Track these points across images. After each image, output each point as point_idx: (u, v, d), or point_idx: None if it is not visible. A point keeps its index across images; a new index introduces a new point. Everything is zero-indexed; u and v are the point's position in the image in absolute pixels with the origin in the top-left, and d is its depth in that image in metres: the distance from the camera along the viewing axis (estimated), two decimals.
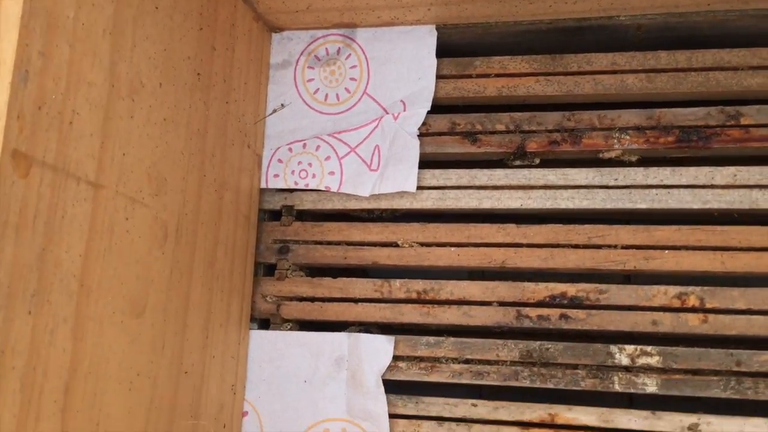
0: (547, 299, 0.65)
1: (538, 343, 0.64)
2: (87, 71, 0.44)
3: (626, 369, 0.62)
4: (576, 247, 0.65)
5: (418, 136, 0.69)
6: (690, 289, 0.62)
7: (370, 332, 0.68)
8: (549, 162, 0.68)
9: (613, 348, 0.63)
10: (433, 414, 0.66)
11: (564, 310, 0.64)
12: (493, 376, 0.65)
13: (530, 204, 0.67)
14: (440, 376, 0.66)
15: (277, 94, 0.72)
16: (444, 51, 0.70)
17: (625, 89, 0.66)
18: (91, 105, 0.44)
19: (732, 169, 0.63)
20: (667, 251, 0.63)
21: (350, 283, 0.69)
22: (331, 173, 0.70)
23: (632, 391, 0.62)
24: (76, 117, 0.43)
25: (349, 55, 0.71)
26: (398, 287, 0.68)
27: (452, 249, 0.67)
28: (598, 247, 0.65)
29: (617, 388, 0.62)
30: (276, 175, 0.71)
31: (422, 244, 0.68)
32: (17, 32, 0.38)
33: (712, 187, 0.63)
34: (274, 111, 0.69)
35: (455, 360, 0.66)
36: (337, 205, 0.71)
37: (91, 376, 0.45)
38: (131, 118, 0.48)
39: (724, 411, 0.61)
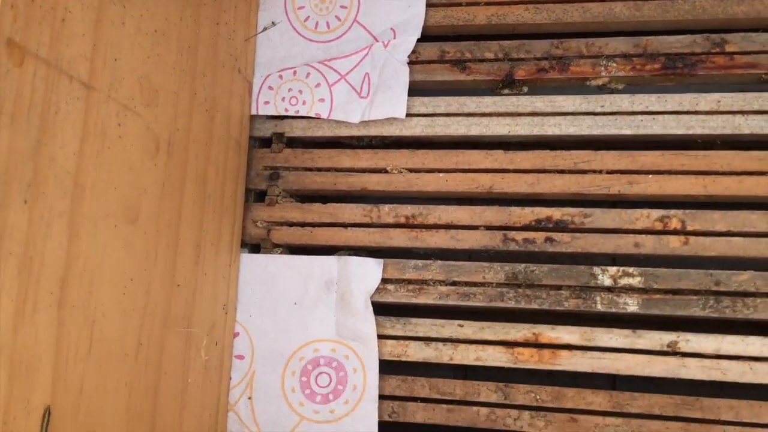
0: (533, 223, 0.66)
1: (524, 265, 0.66)
2: None
3: (608, 289, 0.64)
4: (562, 172, 0.66)
5: (407, 63, 0.69)
6: (672, 212, 0.64)
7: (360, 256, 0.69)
8: (537, 90, 0.69)
9: (596, 269, 0.64)
10: (420, 334, 0.67)
11: (549, 234, 0.66)
12: (479, 298, 0.66)
13: (518, 131, 0.67)
14: (427, 297, 0.67)
15: (267, 20, 0.72)
16: None
17: (613, 17, 0.67)
18: (83, 5, 0.45)
19: (716, 95, 0.64)
20: (650, 176, 0.64)
21: (340, 209, 0.70)
22: (321, 100, 0.71)
23: (614, 310, 0.64)
24: (69, 15, 0.43)
25: None
26: (387, 212, 0.69)
27: (440, 175, 0.68)
28: (584, 172, 0.66)
29: (599, 308, 0.64)
30: (266, 102, 0.72)
31: (411, 170, 0.69)
32: None
33: (696, 113, 0.64)
34: (265, 29, 0.70)
35: (442, 282, 0.67)
36: (327, 132, 0.71)
37: (86, 274, 0.46)
38: (122, 24, 0.49)
39: (702, 329, 0.63)
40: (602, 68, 0.67)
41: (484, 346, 0.66)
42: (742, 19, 0.65)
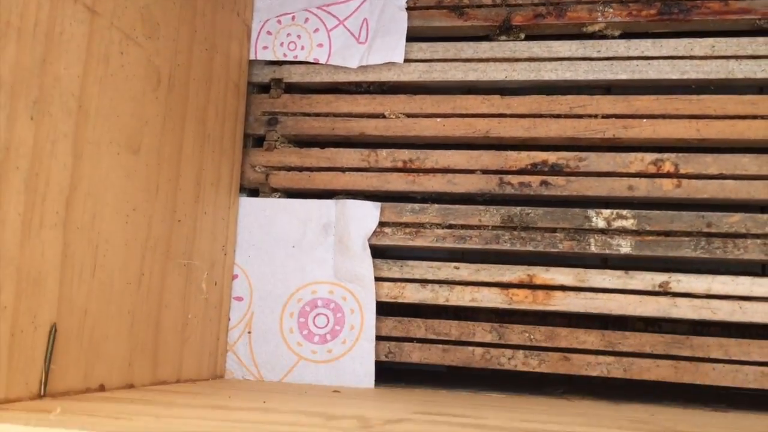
0: (529, 167, 0.67)
1: (519, 208, 0.67)
2: None
3: (602, 231, 0.65)
4: (558, 117, 0.67)
5: (405, 9, 0.70)
6: (665, 155, 0.65)
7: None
8: (534, 37, 0.69)
9: (591, 212, 0.65)
10: (417, 277, 0.68)
11: (545, 177, 0.67)
12: (475, 240, 0.67)
13: (515, 76, 0.68)
14: (424, 240, 0.68)
15: None
16: None
17: None
18: None
19: (710, 40, 0.65)
20: (645, 120, 0.65)
21: (338, 153, 0.70)
22: (320, 45, 0.71)
23: (607, 252, 0.65)
24: None
25: None
26: (385, 157, 0.70)
27: (438, 120, 0.69)
28: (579, 116, 0.67)
29: (593, 249, 0.65)
30: (265, 47, 0.72)
31: (408, 116, 0.70)
32: None
33: (691, 58, 0.65)
34: None
35: (439, 225, 0.68)
36: (326, 78, 0.72)
37: (90, 197, 0.47)
38: None
39: (694, 270, 0.64)
40: (599, 14, 0.67)
41: (479, 287, 0.67)
42: None
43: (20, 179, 0.40)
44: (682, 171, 0.64)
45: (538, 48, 0.68)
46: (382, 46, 0.69)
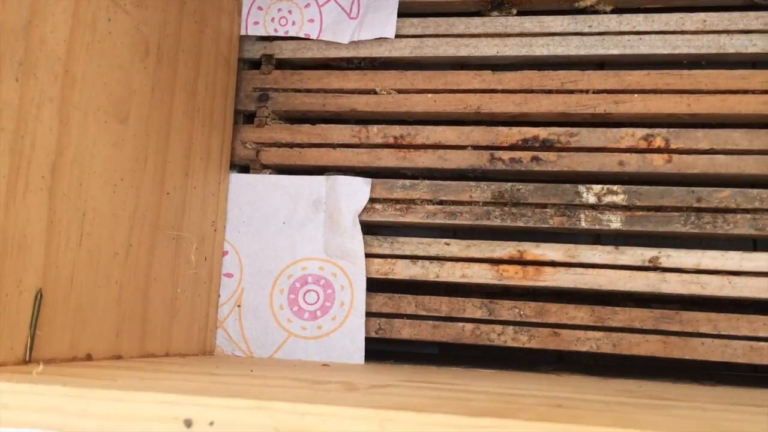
0: (520, 142, 0.67)
1: (510, 184, 0.67)
2: None
3: (593, 207, 0.65)
4: (549, 92, 0.67)
5: None
6: (656, 131, 0.65)
7: None
8: (526, 12, 0.69)
9: (581, 188, 0.65)
10: (407, 253, 0.68)
11: (536, 153, 0.67)
12: (466, 216, 0.67)
13: (506, 51, 0.68)
14: (415, 216, 0.68)
15: None
16: None
17: None
18: None
19: (702, 15, 0.65)
20: (636, 95, 0.65)
21: (329, 129, 0.70)
22: (311, 21, 0.71)
23: (597, 227, 0.65)
24: None
25: None
26: (375, 132, 0.69)
27: (429, 95, 0.69)
28: (571, 92, 0.67)
29: (583, 225, 0.65)
30: (256, 23, 0.72)
31: (400, 91, 0.70)
32: None
33: (683, 32, 0.65)
34: None
35: (429, 201, 0.68)
36: (317, 54, 0.71)
37: (76, 164, 0.46)
38: None
39: (684, 245, 0.64)
40: None
41: (470, 263, 0.67)
42: None
43: (5, 141, 0.40)
44: (672, 146, 0.64)
45: (529, 23, 0.68)
46: (373, 21, 0.69)
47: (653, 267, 0.64)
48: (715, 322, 0.63)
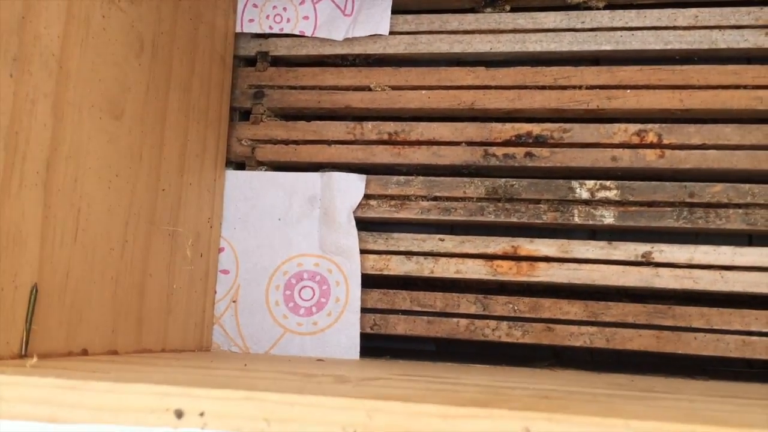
0: (513, 138, 0.67)
1: (504, 180, 0.67)
2: None
3: (586, 202, 0.66)
4: (542, 88, 0.67)
5: None
6: (649, 126, 0.65)
7: None
8: (519, 9, 0.69)
9: (574, 183, 0.66)
10: (402, 249, 0.69)
11: (529, 149, 0.67)
12: (460, 212, 0.68)
13: (500, 48, 0.68)
14: (409, 212, 0.69)
15: None
16: None
17: None
18: None
19: (693, 10, 0.65)
20: (629, 91, 0.66)
21: (324, 126, 0.71)
22: (306, 18, 0.71)
23: (591, 222, 0.65)
24: None
25: None
26: (370, 129, 0.70)
27: (423, 92, 0.69)
28: (564, 88, 0.67)
29: (577, 220, 0.66)
30: (251, 20, 0.72)
31: (394, 88, 0.70)
32: None
33: (675, 28, 0.65)
34: None
35: (424, 197, 0.68)
36: (312, 51, 0.72)
37: (71, 160, 0.47)
38: None
39: (676, 240, 0.65)
40: None
41: (464, 259, 0.67)
42: None
43: (0, 136, 0.40)
44: (665, 141, 0.65)
45: (522, 19, 0.68)
46: (367, 18, 0.70)
47: (646, 262, 0.64)
48: (708, 316, 0.63)
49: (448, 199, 0.68)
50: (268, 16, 0.72)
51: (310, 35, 0.71)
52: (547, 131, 0.67)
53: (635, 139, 0.65)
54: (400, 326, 0.68)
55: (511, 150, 0.67)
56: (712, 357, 0.63)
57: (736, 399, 0.41)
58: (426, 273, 0.68)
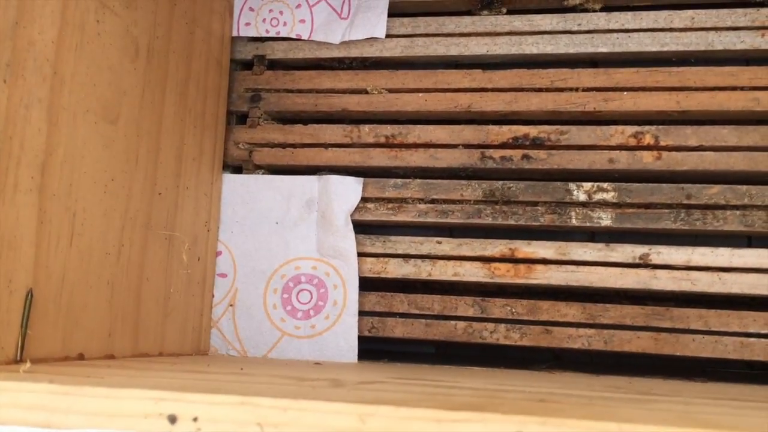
0: (510, 141, 0.67)
1: (501, 182, 0.67)
2: None
3: (583, 205, 0.66)
4: (539, 90, 0.67)
5: None
6: (646, 128, 0.65)
7: None
8: (515, 11, 0.69)
9: (572, 185, 0.66)
10: (400, 252, 0.68)
11: (526, 151, 0.67)
12: (458, 215, 0.68)
13: (496, 50, 0.68)
14: (407, 215, 0.68)
15: None
16: None
17: None
18: None
19: (690, 12, 0.65)
20: (625, 93, 0.66)
21: (321, 129, 0.71)
22: (302, 21, 0.71)
23: (588, 225, 0.65)
24: None
25: None
26: (367, 132, 0.70)
27: (420, 95, 0.69)
28: (560, 90, 0.67)
29: (574, 222, 0.65)
30: (247, 24, 0.72)
31: (391, 91, 0.70)
32: None
33: (671, 30, 0.65)
34: None
35: (421, 200, 0.68)
36: (308, 54, 0.72)
37: (66, 164, 0.47)
38: None
39: (674, 242, 0.65)
40: None
41: (461, 261, 0.67)
42: None
43: None
44: (662, 143, 0.65)
45: (519, 22, 0.68)
46: (363, 21, 0.70)
47: (644, 264, 0.64)
48: (706, 318, 0.63)
49: (445, 201, 0.68)
50: (264, 20, 0.72)
51: (306, 38, 0.71)
52: (544, 133, 0.67)
53: (632, 141, 0.65)
54: (398, 329, 0.68)
55: (508, 152, 0.67)
56: (711, 359, 0.63)
57: (734, 401, 0.41)
58: (424, 276, 0.68)
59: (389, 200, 0.69)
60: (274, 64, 0.73)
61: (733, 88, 0.63)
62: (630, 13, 0.66)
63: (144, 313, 0.57)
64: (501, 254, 0.67)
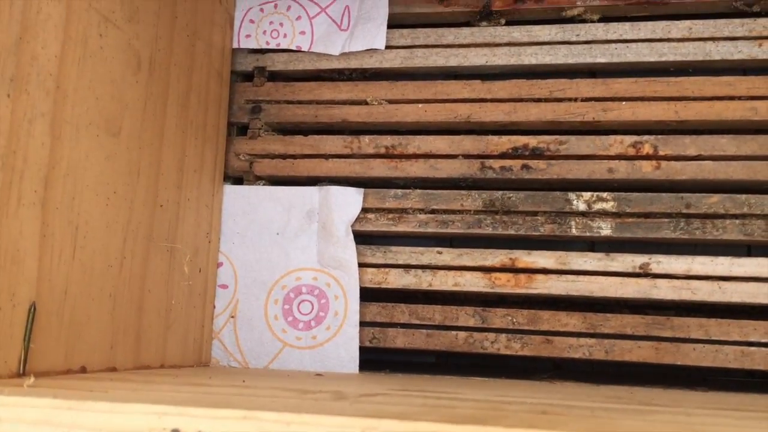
0: (510, 151, 0.67)
1: (501, 192, 0.67)
2: None
3: (583, 214, 0.66)
4: (538, 101, 0.68)
5: None
6: (645, 138, 0.65)
7: None
8: (514, 22, 0.70)
9: (571, 195, 0.66)
10: (400, 262, 0.69)
11: (526, 161, 0.67)
12: (458, 225, 0.68)
13: (495, 61, 0.69)
14: (407, 226, 0.69)
15: None
16: None
17: None
18: None
19: (687, 22, 0.66)
20: (624, 102, 0.66)
21: (321, 140, 0.71)
22: (302, 33, 0.72)
23: (588, 234, 0.65)
24: None
25: None
26: (367, 143, 0.70)
27: (419, 105, 0.70)
28: (559, 100, 0.67)
29: (574, 232, 0.66)
30: (248, 36, 0.73)
31: (390, 102, 0.70)
32: None
33: (669, 40, 0.66)
34: None
35: (421, 210, 0.69)
36: (308, 65, 0.72)
37: (69, 178, 0.47)
38: None
39: (673, 251, 0.65)
40: None
41: (462, 272, 0.68)
42: None
43: None
44: (661, 153, 0.65)
45: (518, 33, 0.68)
46: (363, 33, 0.70)
47: (644, 273, 0.64)
48: (706, 327, 0.63)
49: (445, 211, 0.68)
50: (264, 32, 0.72)
51: (306, 50, 0.71)
52: (544, 143, 0.67)
53: (631, 151, 0.65)
54: (399, 339, 0.68)
55: (507, 162, 0.67)
56: (712, 368, 0.63)
57: (735, 412, 0.41)
58: (424, 286, 0.68)
59: (390, 210, 0.69)
60: (275, 76, 0.73)
61: (731, 98, 0.64)
62: (628, 24, 0.67)
63: (146, 325, 0.57)
64: (501, 264, 0.67)
